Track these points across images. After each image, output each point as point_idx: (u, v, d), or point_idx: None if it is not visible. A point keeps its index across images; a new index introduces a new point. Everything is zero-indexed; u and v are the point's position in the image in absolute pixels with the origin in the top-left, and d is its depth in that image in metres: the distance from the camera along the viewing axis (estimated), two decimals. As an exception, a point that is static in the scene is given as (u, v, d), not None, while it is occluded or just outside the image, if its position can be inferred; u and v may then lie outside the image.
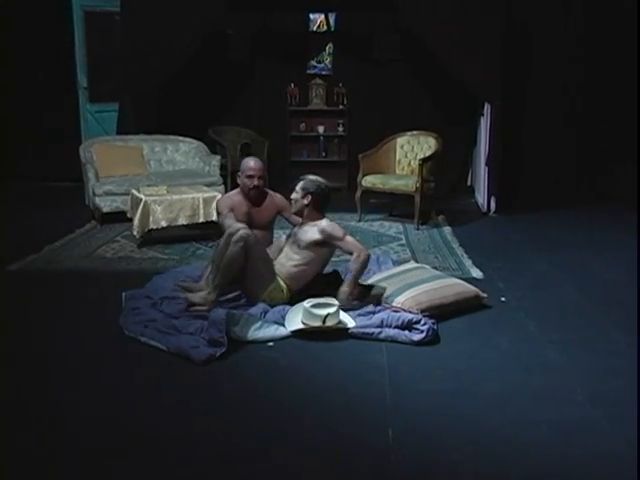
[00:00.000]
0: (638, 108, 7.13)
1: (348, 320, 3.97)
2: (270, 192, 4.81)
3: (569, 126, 7.78)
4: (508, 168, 7.23)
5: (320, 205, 4.32)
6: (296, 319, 3.93)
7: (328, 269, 4.48)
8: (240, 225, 4.18)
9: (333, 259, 4.51)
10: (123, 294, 4.35)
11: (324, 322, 3.83)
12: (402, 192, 6.60)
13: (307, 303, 3.91)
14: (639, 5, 6.93)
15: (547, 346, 3.78)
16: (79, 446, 2.80)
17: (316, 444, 2.83)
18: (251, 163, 4.64)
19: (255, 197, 4.66)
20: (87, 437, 2.86)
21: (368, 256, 4.24)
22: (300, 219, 4.42)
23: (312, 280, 4.32)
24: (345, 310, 4.05)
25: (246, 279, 4.18)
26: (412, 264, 4.81)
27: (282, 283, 4.22)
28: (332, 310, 3.87)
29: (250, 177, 4.59)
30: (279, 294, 4.20)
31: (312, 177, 4.40)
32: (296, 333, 3.86)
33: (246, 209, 4.63)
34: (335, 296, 4.11)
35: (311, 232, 4.25)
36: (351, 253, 4.20)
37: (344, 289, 4.18)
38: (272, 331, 3.87)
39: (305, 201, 4.29)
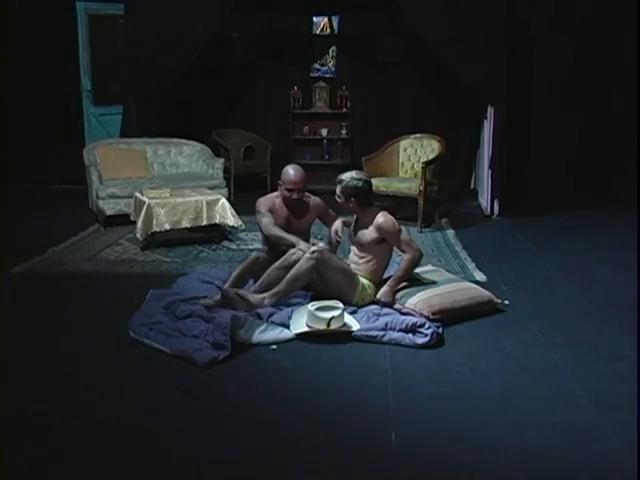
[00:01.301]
0: (639, 109, 7.13)
1: (352, 323, 3.97)
2: (310, 198, 4.63)
3: (572, 128, 7.78)
4: (511, 171, 7.22)
5: (365, 199, 4.33)
6: (301, 322, 3.94)
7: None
8: (314, 247, 4.19)
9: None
10: (150, 291, 4.39)
11: (329, 325, 3.84)
12: (405, 195, 6.60)
13: (312, 306, 3.92)
14: (639, 4, 6.94)
15: (551, 349, 3.77)
16: (80, 446, 2.81)
17: (319, 446, 2.83)
18: (292, 176, 4.41)
19: (295, 206, 4.54)
20: (88, 438, 2.87)
21: (420, 256, 4.28)
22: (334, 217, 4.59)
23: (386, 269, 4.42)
24: (384, 306, 4.14)
25: (333, 291, 4.19)
26: (429, 267, 4.78)
27: (366, 281, 4.28)
28: (337, 313, 3.87)
29: (290, 190, 4.41)
30: (368, 293, 4.26)
31: (346, 177, 4.30)
32: (300, 336, 3.86)
33: (286, 214, 4.54)
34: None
35: (369, 232, 4.28)
36: (404, 252, 4.25)
37: (389, 284, 4.21)
38: (277, 334, 3.87)
39: (351, 204, 4.33)
